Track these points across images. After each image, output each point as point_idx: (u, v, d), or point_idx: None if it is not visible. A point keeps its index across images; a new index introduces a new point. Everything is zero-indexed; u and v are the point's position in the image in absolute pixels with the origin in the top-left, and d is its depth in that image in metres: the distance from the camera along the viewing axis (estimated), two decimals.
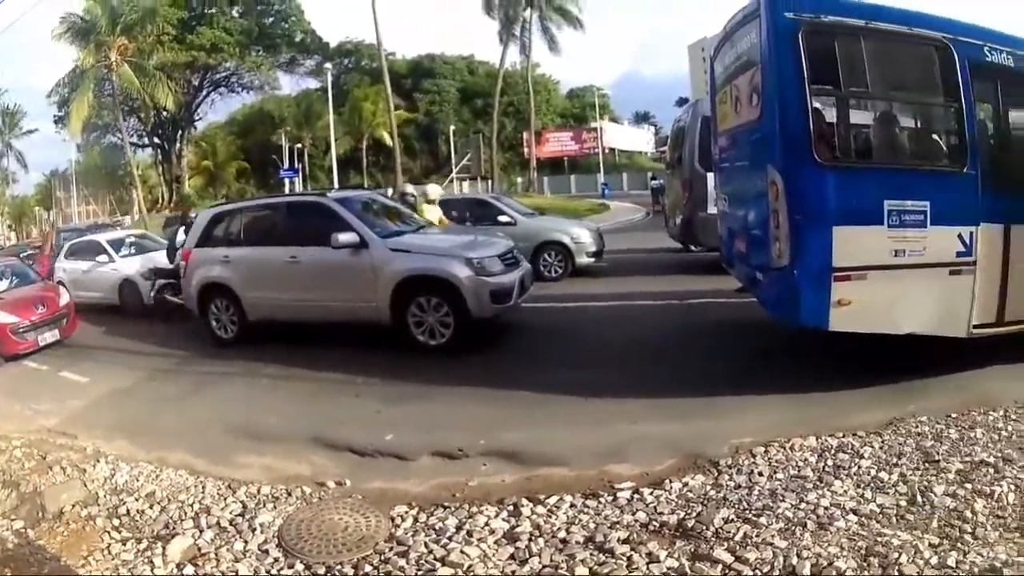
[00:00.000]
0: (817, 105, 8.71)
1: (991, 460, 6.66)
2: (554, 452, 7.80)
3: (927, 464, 6.66)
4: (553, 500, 6.67)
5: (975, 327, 9.07)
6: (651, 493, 6.62)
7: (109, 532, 6.96)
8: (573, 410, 9.12)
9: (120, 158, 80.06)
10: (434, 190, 18.65)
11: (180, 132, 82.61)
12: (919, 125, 10.05)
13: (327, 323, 13.37)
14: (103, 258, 19.96)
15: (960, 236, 8.79)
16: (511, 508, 6.60)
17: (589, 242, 19.44)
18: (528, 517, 6.38)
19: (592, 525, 6.13)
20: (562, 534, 6.04)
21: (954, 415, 7.84)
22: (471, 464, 7.82)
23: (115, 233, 25.05)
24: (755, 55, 9.28)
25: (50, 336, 15.35)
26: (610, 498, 6.63)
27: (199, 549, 6.44)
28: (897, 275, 8.68)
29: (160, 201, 78.73)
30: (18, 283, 17.18)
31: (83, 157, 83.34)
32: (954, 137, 9.18)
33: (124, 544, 6.70)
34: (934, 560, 5.05)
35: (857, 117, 9.49)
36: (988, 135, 9.64)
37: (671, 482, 6.80)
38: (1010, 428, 7.49)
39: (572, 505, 6.56)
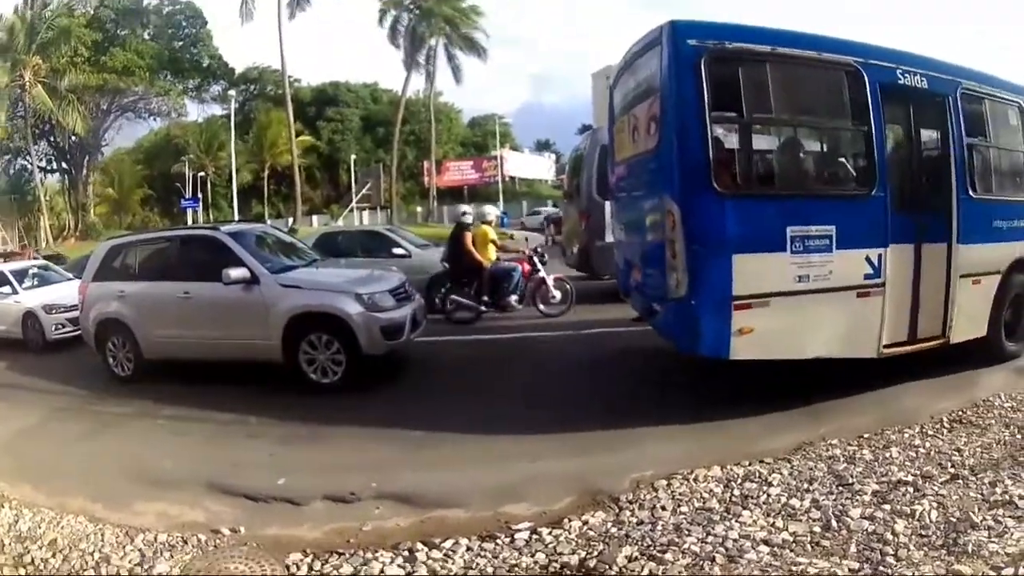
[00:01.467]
0: (718, 133, 8.81)
1: (909, 479, 6.87)
2: (449, 493, 7.78)
3: (841, 488, 6.77)
4: (449, 544, 6.64)
5: (886, 347, 9.30)
6: (550, 533, 6.62)
7: None
8: (468, 448, 9.13)
9: (28, 183, 78.90)
10: (491, 211, 18.86)
11: (87, 158, 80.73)
12: (826, 150, 10.27)
13: (222, 361, 13.07)
14: (6, 289, 19.50)
15: (868, 258, 9.00)
16: (406, 554, 6.55)
17: None
18: (424, 563, 6.36)
19: (490, 569, 6.12)
20: None
21: (867, 435, 8.05)
22: (364, 508, 7.75)
23: (17, 264, 24.30)
24: (655, 83, 9.27)
25: None
26: (507, 540, 6.61)
27: None
28: (802, 301, 8.79)
29: (67, 229, 76.76)
30: None
31: None
32: (863, 160, 9.38)
33: None
34: None
35: (761, 144, 9.67)
36: (898, 157, 9.97)
37: (570, 521, 6.80)
38: (927, 445, 7.75)
39: (469, 548, 6.53)
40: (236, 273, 12.33)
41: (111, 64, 74.77)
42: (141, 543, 7.32)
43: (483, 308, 17.30)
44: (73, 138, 77.43)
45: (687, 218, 8.54)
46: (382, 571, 6.34)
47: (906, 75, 9.63)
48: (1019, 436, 8.12)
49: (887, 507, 6.30)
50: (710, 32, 8.77)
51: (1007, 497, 6.46)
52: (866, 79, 9.13)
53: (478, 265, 17.40)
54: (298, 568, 6.62)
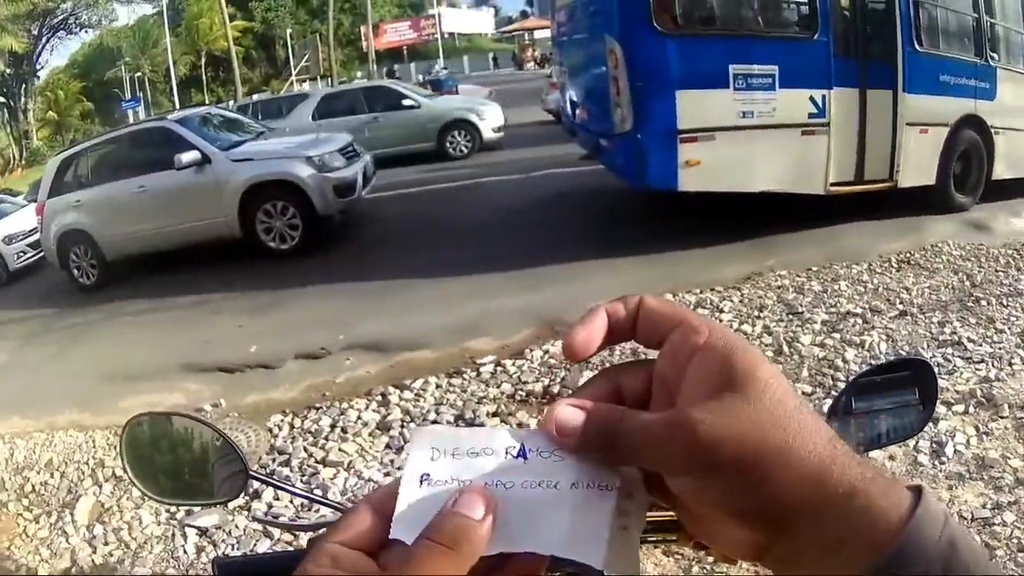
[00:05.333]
0: None
1: (858, 311, 7.03)
2: (413, 336, 7.96)
3: (791, 316, 6.97)
4: (419, 384, 6.87)
5: (832, 184, 9.42)
6: (513, 364, 6.86)
7: (22, 514, 6.95)
8: (427, 293, 9.30)
9: None
10: None
11: (23, 85, 79.09)
12: None
13: (182, 247, 13.12)
14: None
15: (812, 98, 9.08)
16: (379, 398, 6.80)
17: (495, 118, 19.37)
18: (397, 404, 6.60)
19: (460, 403, 6.37)
20: (432, 415, 6.28)
21: (815, 268, 8.22)
22: (335, 361, 7.98)
23: None
24: None
25: None
26: (474, 374, 6.85)
27: (102, 505, 6.51)
28: (746, 136, 8.96)
29: (12, 161, 75.68)
30: None
31: None
32: (805, 5, 9.38)
33: (37, 522, 6.71)
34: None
35: None
36: (843, 4, 9.92)
37: (531, 351, 7.04)
38: (875, 281, 7.89)
39: (438, 386, 6.77)
40: (187, 157, 12.32)
41: None
42: None
43: None
44: (8, 70, 75.60)
45: (629, 56, 8.63)
46: (359, 418, 6.58)
47: None
48: (967, 283, 8.19)
49: (837, 336, 6.51)
50: None
51: (955, 338, 6.63)
52: None
53: None
54: (280, 428, 6.81)
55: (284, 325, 9.38)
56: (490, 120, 19.30)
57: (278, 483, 2.40)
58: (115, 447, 7.29)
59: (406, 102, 19.54)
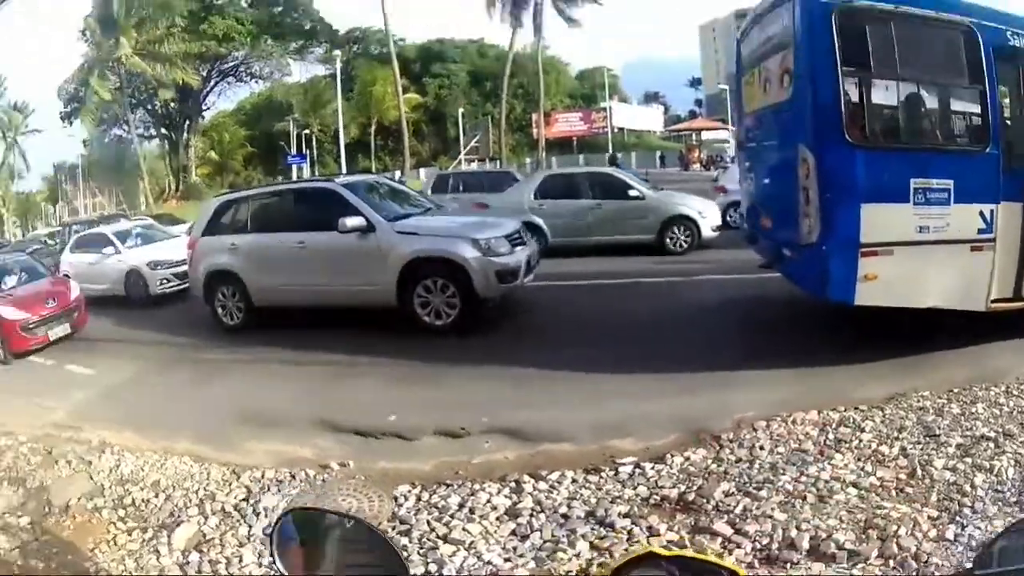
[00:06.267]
0: (848, 87, 8.84)
1: (991, 435, 6.67)
2: (557, 428, 7.80)
3: (928, 438, 6.67)
4: (555, 476, 6.70)
5: (993, 301, 9.14)
6: (653, 467, 6.65)
7: (115, 523, 7.06)
8: (576, 386, 9.09)
9: (127, 150, 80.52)
10: None
11: (187, 122, 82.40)
12: (944, 106, 10.02)
13: (334, 307, 13.28)
14: (109, 250, 19.93)
15: (981, 213, 8.90)
16: (513, 484, 6.65)
17: (714, 216, 19.19)
18: (530, 493, 6.45)
19: (593, 500, 6.18)
20: (563, 509, 6.09)
21: (956, 390, 7.83)
22: (474, 442, 7.85)
23: (121, 224, 24.91)
24: (788, 37, 9.41)
25: (60, 331, 15.22)
26: (612, 473, 6.66)
27: (204, 535, 6.53)
28: (921, 251, 8.79)
29: (167, 191, 78.63)
30: (27, 279, 16.96)
31: (89, 151, 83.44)
32: (977, 118, 9.28)
33: (130, 534, 6.80)
34: (932, 533, 5.09)
35: (885, 99, 9.49)
36: (1009, 116, 9.75)
37: (673, 456, 6.83)
38: (1011, 404, 7.49)
39: (574, 480, 6.60)
40: (352, 222, 12.41)
41: (210, 31, 75.92)
42: (248, 480, 7.49)
43: None
44: (172, 105, 78.98)
45: (821, 167, 8.67)
46: (489, 501, 6.45)
47: (1015, 36, 9.41)
48: None
49: (968, 460, 6.20)
50: None
51: None
52: (980, 39, 9.00)
53: None
54: (406, 499, 6.72)
55: (427, 400, 9.33)
56: (710, 218, 19.06)
57: None
58: (229, 484, 7.45)
59: (631, 192, 19.39)
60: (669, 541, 5.33)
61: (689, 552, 1.58)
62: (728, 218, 19.65)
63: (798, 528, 5.22)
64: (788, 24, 9.39)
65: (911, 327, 9.19)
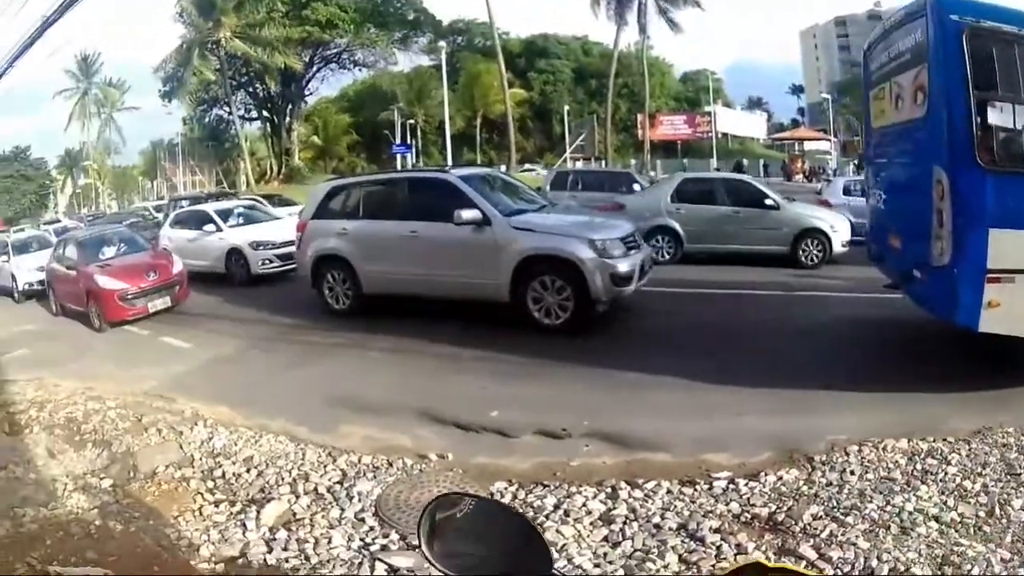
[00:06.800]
0: (979, 108, 8.66)
1: None
2: (656, 437, 7.77)
3: (1009, 476, 6.53)
4: (651, 485, 6.69)
5: None
6: (746, 484, 6.63)
7: (202, 494, 7.18)
8: (679, 396, 9.03)
9: (227, 131, 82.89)
10: None
11: (290, 107, 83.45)
12: None
13: (443, 298, 13.33)
14: (210, 227, 20.30)
15: None
16: (609, 490, 6.65)
17: (844, 230, 18.76)
18: (625, 500, 6.44)
19: (686, 512, 6.18)
20: (656, 519, 6.09)
21: None
22: (574, 445, 7.79)
23: (223, 203, 25.27)
24: (921, 54, 9.30)
25: (161, 303, 15.67)
26: (706, 486, 6.65)
27: (294, 514, 6.59)
28: None
29: (268, 173, 79.73)
30: (127, 250, 17.55)
31: (189, 130, 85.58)
32: None
33: (217, 506, 6.90)
34: (1004, 575, 5.01)
35: (1012, 122, 9.10)
36: None
37: (766, 475, 6.80)
38: None
39: (668, 491, 6.58)
40: (468, 215, 12.45)
41: (313, 17, 76.63)
42: (344, 463, 7.55)
43: None
44: (274, 88, 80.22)
45: (956, 189, 8.53)
46: (584, 505, 6.42)
47: None
48: None
49: None
50: (968, 9, 8.69)
51: None
52: None
53: None
54: (502, 495, 6.71)
55: (530, 398, 9.26)
56: (841, 233, 18.66)
57: None
58: (324, 466, 7.53)
59: (768, 201, 19.02)
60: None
61: (791, 566, 1.63)
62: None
63: (879, 558, 5.18)
64: (920, 41, 9.30)
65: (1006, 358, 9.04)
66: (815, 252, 18.11)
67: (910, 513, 5.80)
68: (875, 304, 12.25)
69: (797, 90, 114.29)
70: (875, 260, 11.98)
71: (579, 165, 68.58)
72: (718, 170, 66.10)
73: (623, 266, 11.83)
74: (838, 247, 18.14)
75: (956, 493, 6.16)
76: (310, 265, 14.82)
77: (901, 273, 10.39)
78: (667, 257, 18.62)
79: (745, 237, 18.39)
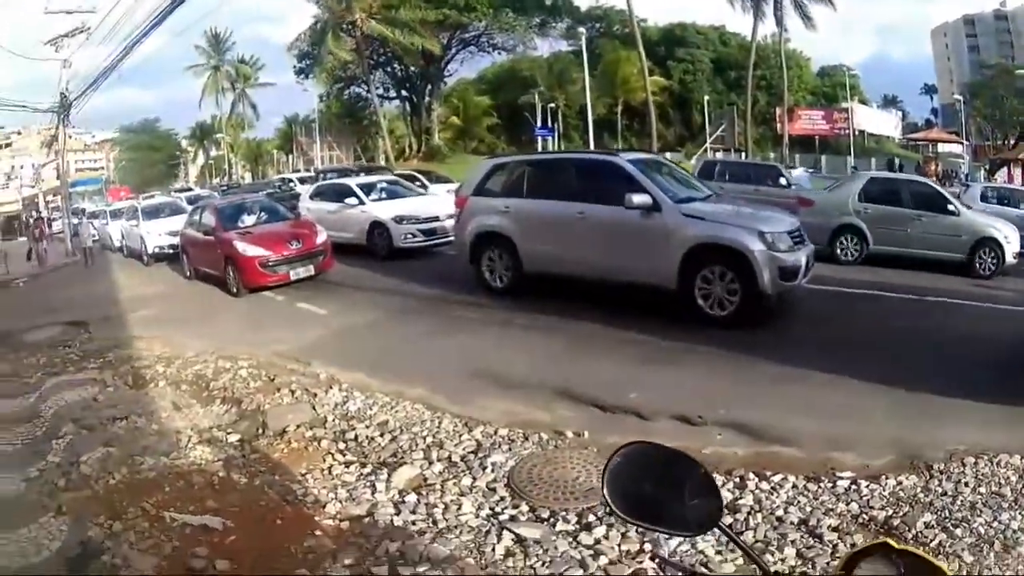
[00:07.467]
0: None
1: None
2: (789, 432, 7.70)
3: None
4: (778, 478, 6.67)
5: None
6: (867, 486, 6.55)
7: (333, 454, 7.34)
8: (816, 393, 8.90)
9: (365, 108, 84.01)
10: None
11: (429, 87, 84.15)
12: None
13: (607, 282, 13.06)
14: (352, 200, 20.51)
15: None
16: (738, 480, 6.66)
17: (1016, 241, 18.23)
18: (752, 491, 6.45)
19: (808, 508, 6.17)
20: (780, 512, 6.11)
21: None
22: (708, 432, 7.77)
23: (367, 178, 25.66)
24: None
25: (303, 271, 15.95)
26: (830, 484, 6.62)
27: (425, 479, 6.67)
28: None
29: (408, 151, 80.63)
30: (267, 219, 17.94)
31: (326, 107, 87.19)
32: None
33: (347, 467, 7.04)
34: None
35: None
36: None
37: (887, 478, 6.71)
38: None
39: (794, 486, 6.56)
40: (639, 199, 12.09)
41: (451, 0, 77.09)
42: (480, 434, 7.61)
43: None
44: (413, 69, 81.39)
45: None
46: None
47: None
48: None
49: None
50: None
51: None
52: None
53: None
54: None
55: (670, 383, 9.17)
56: (1013, 244, 18.09)
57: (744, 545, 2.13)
58: (460, 435, 7.59)
59: (950, 207, 18.53)
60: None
61: (916, 550, 1.68)
62: None
63: (980, 574, 5.13)
64: None
65: None
66: (990, 262, 17.63)
67: (1014, 531, 5.71)
68: None
69: (930, 90, 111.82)
70: None
71: (719, 156, 68.04)
72: (855, 168, 65.35)
73: (791, 260, 11.63)
74: (1009, 258, 17.71)
75: None
76: (469, 241, 14.65)
77: None
78: (852, 257, 18.27)
79: (925, 242, 17.98)
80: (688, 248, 11.65)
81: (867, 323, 12.51)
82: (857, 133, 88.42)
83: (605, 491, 2.06)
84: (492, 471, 6.71)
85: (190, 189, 60.17)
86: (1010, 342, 11.29)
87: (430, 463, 6.94)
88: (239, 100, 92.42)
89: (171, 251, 21.83)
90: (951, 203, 18.44)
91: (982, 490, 6.40)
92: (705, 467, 1.94)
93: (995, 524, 5.75)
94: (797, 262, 11.66)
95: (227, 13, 75.15)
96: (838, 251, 18.16)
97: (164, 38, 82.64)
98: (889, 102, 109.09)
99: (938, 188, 20.08)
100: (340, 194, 21.27)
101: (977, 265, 17.43)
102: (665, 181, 13.20)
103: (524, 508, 6.01)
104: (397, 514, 6.05)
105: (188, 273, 19.06)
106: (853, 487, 6.49)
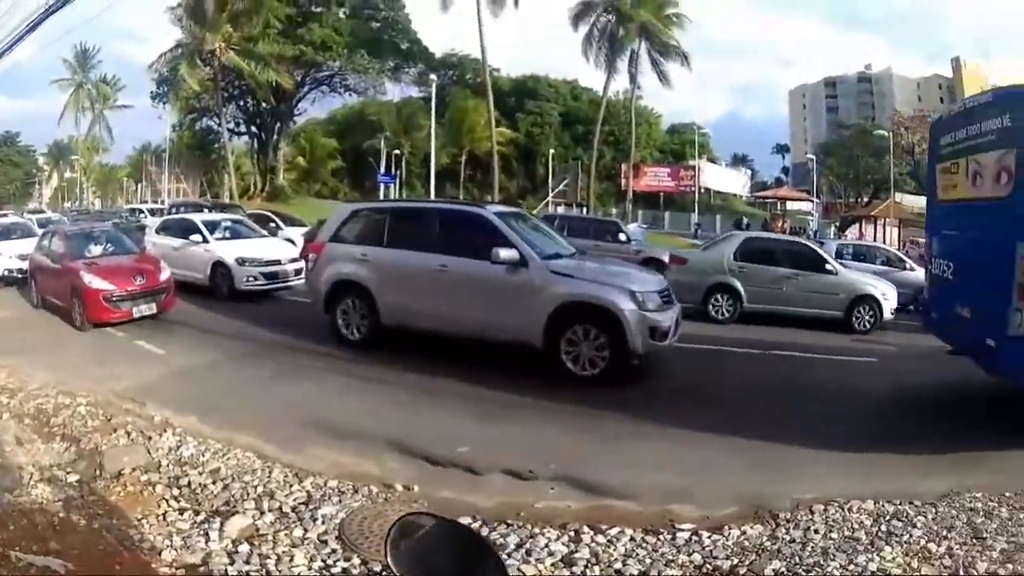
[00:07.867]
0: None
1: None
2: (623, 485, 7.81)
3: (974, 540, 6.67)
4: (614, 531, 6.71)
5: None
6: (709, 537, 6.68)
7: (167, 500, 7.21)
8: (667, 450, 9.07)
9: (215, 142, 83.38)
10: None
11: (278, 124, 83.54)
12: None
13: (467, 337, 12.95)
14: (196, 238, 20.28)
15: None
16: (572, 534, 6.67)
17: (893, 297, 19.27)
18: (588, 544, 6.47)
19: (648, 560, 6.23)
20: (618, 565, 6.15)
21: (1008, 494, 7.81)
22: (540, 487, 7.83)
23: (211, 215, 25.53)
24: (1009, 139, 9.76)
25: (147, 309, 15.50)
26: (669, 537, 6.69)
27: (257, 529, 6.61)
28: None
29: (252, 189, 79.77)
30: (113, 250, 17.43)
31: (177, 137, 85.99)
32: None
33: (181, 514, 6.92)
34: None
35: None
36: None
37: (730, 528, 6.86)
38: None
39: (632, 539, 6.61)
40: (506, 254, 12.21)
41: (308, 37, 76.88)
42: (310, 485, 7.57)
43: None
44: (264, 105, 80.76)
45: None
46: (547, 546, 6.47)
47: None
48: None
49: (1010, 566, 6.22)
50: None
51: None
52: None
53: None
54: None
55: (503, 439, 9.28)
56: (891, 300, 19.13)
57: None
58: (290, 485, 7.56)
59: (827, 266, 19.37)
60: None
61: None
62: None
63: None
64: (1010, 127, 9.76)
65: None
66: (867, 318, 18.54)
67: (873, 573, 5.93)
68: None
69: (782, 149, 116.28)
70: (933, 327, 12.46)
71: (560, 210, 69.11)
72: (699, 225, 67.15)
73: (662, 320, 11.76)
74: (887, 314, 18.65)
75: (920, 555, 6.36)
76: (325, 290, 14.34)
77: (972, 342, 10.83)
78: (726, 316, 18.91)
79: (803, 300, 18.77)
80: (556, 306, 11.75)
81: (736, 379, 12.91)
82: (703, 190, 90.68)
83: (389, 561, 2.12)
84: (323, 523, 6.68)
85: (43, 211, 58.34)
86: (877, 392, 12.03)
87: (261, 513, 6.88)
88: (97, 121, 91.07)
89: (19, 275, 21.02)
90: (828, 262, 19.26)
91: (834, 535, 6.66)
92: (495, 546, 1.98)
93: (851, 567, 6.01)
94: (669, 323, 11.81)
95: (98, 27, 73.10)
96: (711, 309, 18.67)
97: (34, 47, 79.96)
98: (739, 160, 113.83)
99: (815, 248, 20.93)
100: (185, 230, 20.95)
101: (854, 322, 18.37)
102: (532, 236, 13.28)
103: (356, 561, 6.01)
104: (231, 564, 6.01)
105: (35, 301, 18.26)
106: (694, 538, 6.63)
